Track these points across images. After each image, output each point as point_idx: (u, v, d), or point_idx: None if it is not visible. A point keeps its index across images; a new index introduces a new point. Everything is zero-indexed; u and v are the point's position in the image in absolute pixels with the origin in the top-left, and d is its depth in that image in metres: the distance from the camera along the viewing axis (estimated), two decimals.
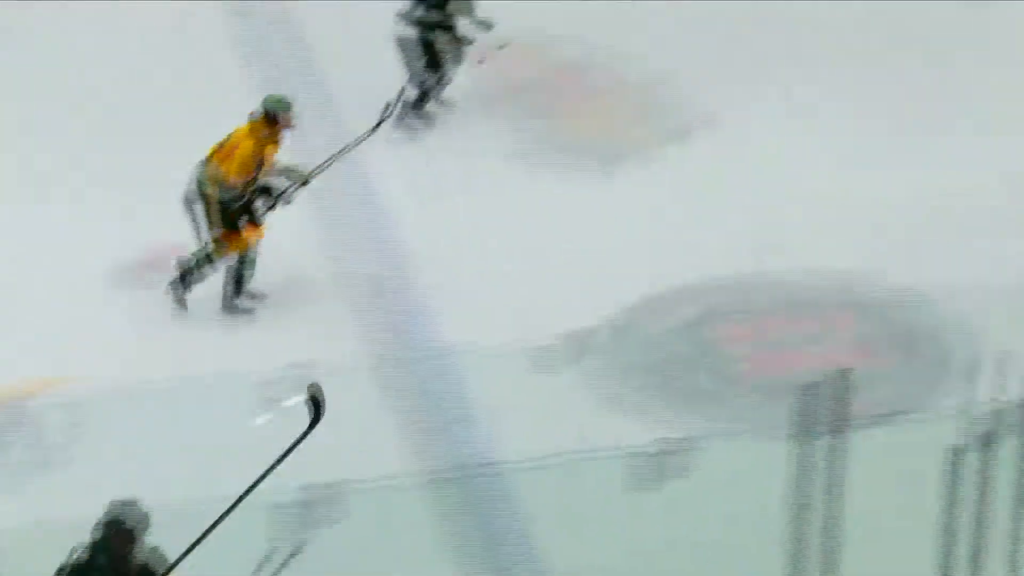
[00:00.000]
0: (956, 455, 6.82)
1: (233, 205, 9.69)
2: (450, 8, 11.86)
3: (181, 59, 12.46)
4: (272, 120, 9.70)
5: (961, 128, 11.34)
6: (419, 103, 11.98)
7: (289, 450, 6.24)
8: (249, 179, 9.68)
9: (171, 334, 9.83)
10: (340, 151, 10.43)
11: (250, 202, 9.74)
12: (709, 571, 7.94)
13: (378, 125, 10.92)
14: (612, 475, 8.15)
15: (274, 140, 9.76)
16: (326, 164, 10.25)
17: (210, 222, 9.78)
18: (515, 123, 11.76)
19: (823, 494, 6.96)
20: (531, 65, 12.30)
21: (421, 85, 11.91)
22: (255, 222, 9.83)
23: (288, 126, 9.77)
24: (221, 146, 9.76)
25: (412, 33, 11.84)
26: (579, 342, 9.46)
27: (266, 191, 9.84)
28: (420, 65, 11.84)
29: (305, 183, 10.01)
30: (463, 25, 11.82)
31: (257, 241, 9.86)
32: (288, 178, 9.91)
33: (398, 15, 11.80)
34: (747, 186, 10.87)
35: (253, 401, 8.83)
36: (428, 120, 11.88)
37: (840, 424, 7.03)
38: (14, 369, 9.34)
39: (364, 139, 10.76)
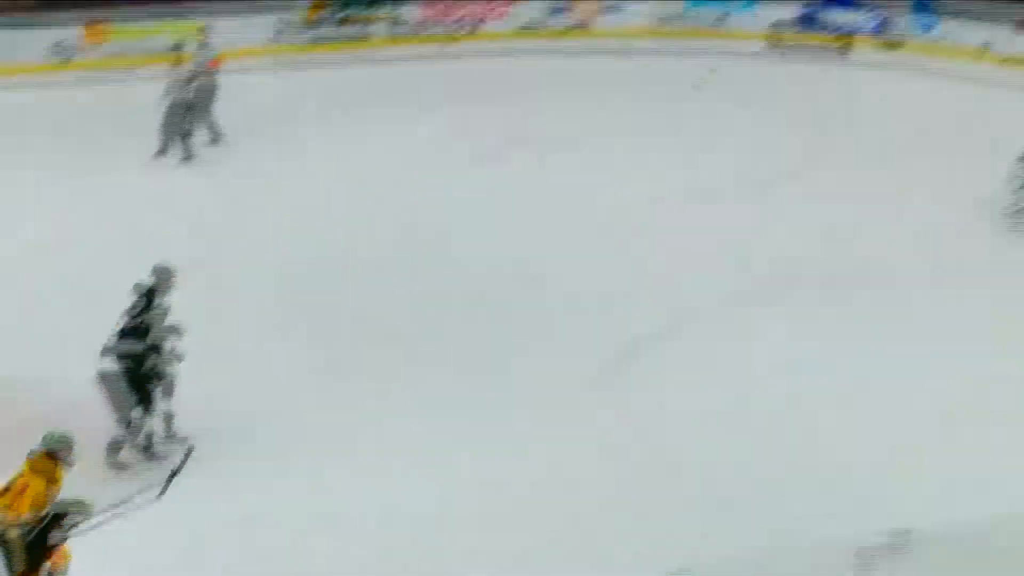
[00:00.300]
0: None
1: (32, 544, 9.84)
2: (153, 337, 11.56)
3: None
4: (54, 457, 10.08)
5: None
6: (117, 445, 11.62)
7: None
8: (41, 515, 9.87)
9: None
10: (120, 504, 10.21)
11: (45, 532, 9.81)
12: None
13: (166, 486, 10.60)
14: None
15: (56, 477, 10.06)
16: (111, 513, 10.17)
17: (12, 568, 9.86)
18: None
19: None
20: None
21: (128, 424, 11.58)
22: (59, 545, 9.91)
23: (69, 464, 10.13)
24: (7, 491, 9.94)
25: (116, 368, 11.52)
26: None
27: (58, 519, 9.92)
28: (131, 401, 11.53)
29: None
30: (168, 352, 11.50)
31: (67, 563, 9.99)
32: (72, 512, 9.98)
33: (103, 349, 11.47)
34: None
35: None
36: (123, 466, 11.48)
37: None
38: None
39: (146, 499, 10.51)
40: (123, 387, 11.49)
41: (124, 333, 11.52)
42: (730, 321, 14.08)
